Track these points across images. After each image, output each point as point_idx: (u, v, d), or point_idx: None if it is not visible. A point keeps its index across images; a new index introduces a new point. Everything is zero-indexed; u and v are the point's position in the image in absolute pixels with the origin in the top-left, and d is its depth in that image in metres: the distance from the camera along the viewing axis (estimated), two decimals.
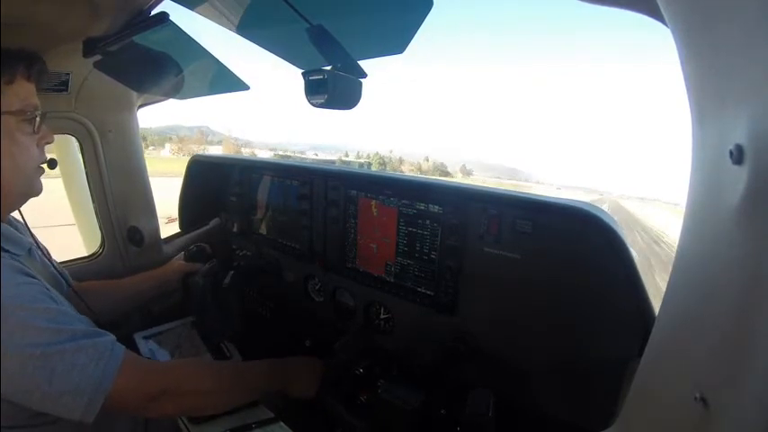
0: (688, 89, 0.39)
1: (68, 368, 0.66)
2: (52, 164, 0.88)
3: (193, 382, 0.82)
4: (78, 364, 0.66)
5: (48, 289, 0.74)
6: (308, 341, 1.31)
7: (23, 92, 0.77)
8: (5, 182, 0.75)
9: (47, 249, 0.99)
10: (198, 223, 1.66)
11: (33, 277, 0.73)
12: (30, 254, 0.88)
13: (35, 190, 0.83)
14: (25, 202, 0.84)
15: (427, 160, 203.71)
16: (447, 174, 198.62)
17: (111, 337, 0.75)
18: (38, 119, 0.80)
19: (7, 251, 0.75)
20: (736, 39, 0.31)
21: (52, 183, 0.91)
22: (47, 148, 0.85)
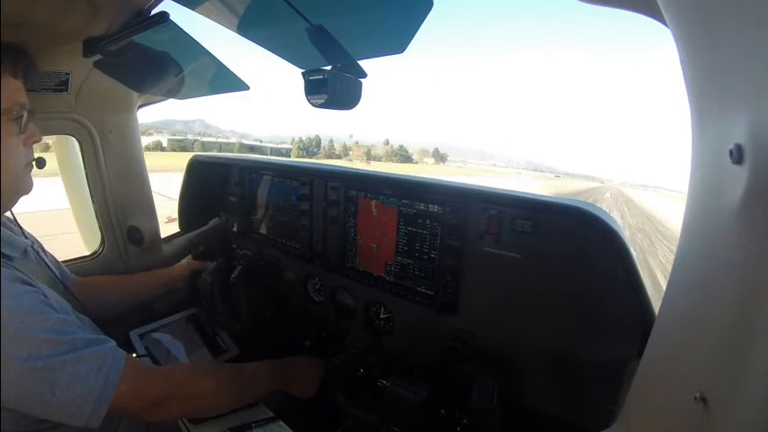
0: (688, 89, 0.39)
1: (70, 379, 0.66)
2: (40, 163, 0.84)
3: (196, 386, 0.83)
4: (80, 374, 0.66)
5: (45, 296, 0.73)
6: (308, 341, 1.31)
7: (8, 90, 0.73)
8: None
9: (42, 246, 0.98)
10: (197, 223, 1.66)
11: (31, 285, 0.72)
12: (25, 255, 0.87)
13: (24, 188, 0.81)
14: (16, 201, 0.82)
15: (387, 143, 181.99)
16: (409, 159, 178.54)
17: (112, 343, 0.75)
18: (24, 117, 0.77)
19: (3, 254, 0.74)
20: (735, 39, 0.31)
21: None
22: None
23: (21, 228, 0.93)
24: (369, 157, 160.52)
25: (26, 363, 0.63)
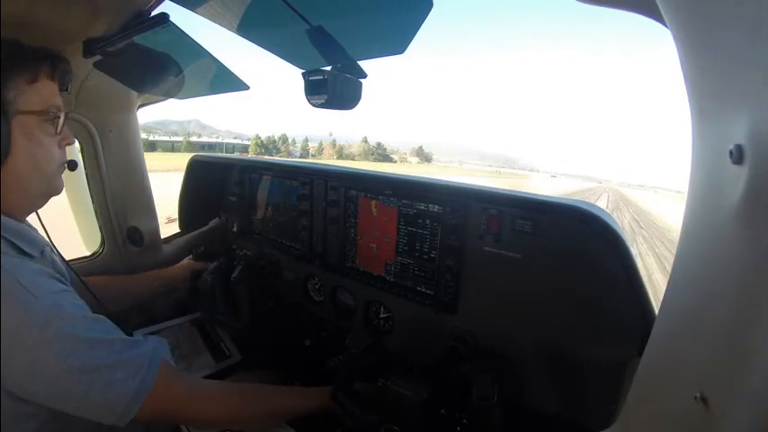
0: (688, 90, 0.39)
1: (105, 384, 0.66)
2: (72, 165, 0.86)
3: (232, 412, 0.81)
4: (115, 380, 0.67)
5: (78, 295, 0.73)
6: (308, 341, 1.31)
7: (46, 92, 0.75)
8: (26, 182, 0.74)
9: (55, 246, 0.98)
10: (197, 223, 1.66)
11: (63, 283, 0.73)
12: (43, 255, 0.87)
13: (55, 189, 0.82)
14: (47, 201, 0.83)
15: (365, 141, 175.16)
16: (388, 158, 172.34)
17: (150, 346, 0.75)
18: (61, 119, 0.78)
19: (26, 253, 0.74)
20: (735, 40, 0.31)
21: None
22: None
23: (43, 225, 0.92)
24: (340, 155, 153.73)
25: (64, 362, 0.63)
